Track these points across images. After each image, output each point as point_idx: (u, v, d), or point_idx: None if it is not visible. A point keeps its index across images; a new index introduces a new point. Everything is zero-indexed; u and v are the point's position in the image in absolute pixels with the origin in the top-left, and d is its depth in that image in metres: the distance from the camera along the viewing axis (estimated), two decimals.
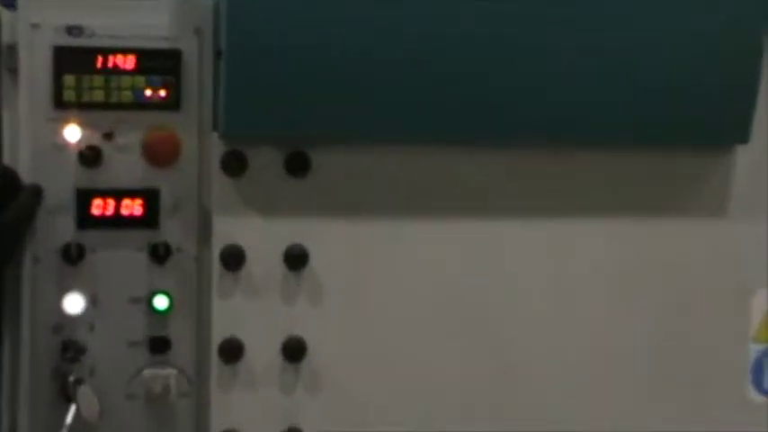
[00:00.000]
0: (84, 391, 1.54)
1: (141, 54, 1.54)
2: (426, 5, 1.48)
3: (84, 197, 1.55)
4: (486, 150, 1.61)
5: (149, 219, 1.57)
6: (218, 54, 1.54)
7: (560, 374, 1.70)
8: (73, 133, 1.54)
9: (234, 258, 1.55)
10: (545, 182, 1.65)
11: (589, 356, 1.70)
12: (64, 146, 1.54)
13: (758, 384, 1.78)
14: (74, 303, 1.56)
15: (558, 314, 1.68)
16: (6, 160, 1.55)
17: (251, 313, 1.57)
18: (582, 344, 1.70)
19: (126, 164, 1.56)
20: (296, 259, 1.57)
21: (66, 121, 1.53)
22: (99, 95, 1.54)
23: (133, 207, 1.57)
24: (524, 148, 1.62)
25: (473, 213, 1.63)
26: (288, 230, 1.57)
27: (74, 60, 1.53)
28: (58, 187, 1.54)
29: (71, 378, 1.55)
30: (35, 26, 1.51)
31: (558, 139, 1.61)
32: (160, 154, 1.56)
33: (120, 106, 1.55)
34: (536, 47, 1.52)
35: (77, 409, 1.54)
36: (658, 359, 1.73)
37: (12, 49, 1.52)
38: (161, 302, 1.59)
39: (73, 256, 1.55)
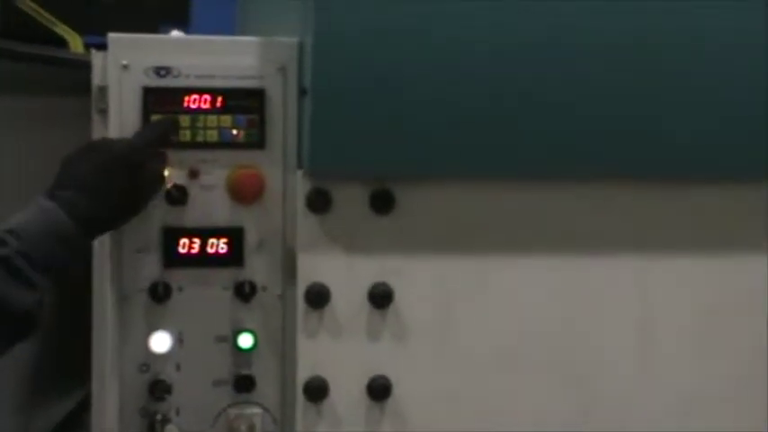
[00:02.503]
0: (170, 431, 1.54)
1: (226, 93, 1.56)
2: (508, 48, 1.46)
3: (170, 236, 1.57)
4: (571, 187, 1.59)
5: (234, 257, 1.58)
6: (302, 92, 1.55)
7: (644, 415, 1.65)
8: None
9: (319, 297, 1.55)
10: (632, 219, 1.62)
11: (673, 398, 1.66)
12: None
13: None
14: (161, 342, 1.57)
15: (643, 354, 1.64)
16: None
17: (336, 352, 1.56)
18: (666, 385, 1.65)
19: (211, 202, 1.57)
20: (381, 298, 1.56)
21: None
22: (185, 135, 1.56)
23: (218, 245, 1.58)
24: (612, 184, 1.59)
25: (558, 251, 1.61)
26: (373, 268, 1.56)
27: (161, 100, 1.55)
28: (146, 226, 1.56)
29: (158, 417, 1.55)
30: (125, 67, 1.54)
31: (647, 174, 1.58)
32: (245, 192, 1.57)
33: (206, 145, 1.56)
34: (624, 83, 1.50)
35: None
36: (745, 403, 1.67)
37: (102, 91, 1.55)
38: (246, 341, 1.59)
39: (160, 294, 1.56)
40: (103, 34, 1.58)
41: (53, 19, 3.61)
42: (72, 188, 1.41)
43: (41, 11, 3.66)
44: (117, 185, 1.44)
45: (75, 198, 1.40)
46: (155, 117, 1.54)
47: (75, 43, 3.70)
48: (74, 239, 1.38)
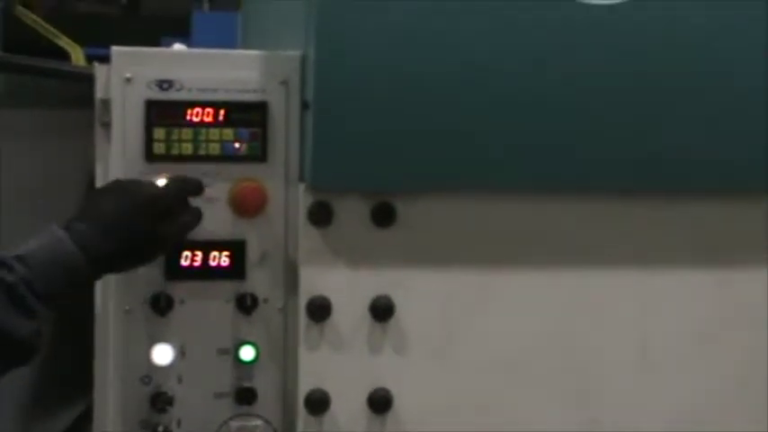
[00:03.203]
0: None
1: (229, 107, 1.56)
2: (509, 63, 1.46)
3: (173, 248, 1.56)
4: (572, 200, 1.59)
5: (236, 270, 1.58)
6: (304, 105, 1.56)
7: (644, 428, 1.65)
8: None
9: (320, 310, 1.55)
10: (633, 232, 1.62)
11: (674, 411, 1.66)
12: None
13: None
14: (162, 354, 1.57)
15: (644, 367, 1.64)
16: None
17: (337, 365, 1.57)
18: (667, 397, 1.65)
19: (213, 215, 1.57)
20: (382, 310, 1.56)
21: (157, 174, 1.55)
22: (188, 148, 1.56)
23: (221, 258, 1.58)
24: (612, 198, 1.60)
25: (559, 264, 1.61)
26: (374, 281, 1.57)
27: (164, 114, 1.55)
28: None
29: (160, 429, 1.56)
30: (128, 80, 1.54)
31: (648, 188, 1.59)
32: (247, 205, 1.57)
33: (208, 158, 1.57)
34: (623, 98, 1.50)
35: None
36: (744, 416, 1.67)
37: (105, 104, 1.55)
38: (247, 353, 1.59)
39: (162, 306, 1.56)
40: (105, 47, 1.59)
41: (55, 31, 3.62)
42: (89, 222, 1.41)
43: (43, 23, 3.67)
44: (137, 230, 1.44)
45: (88, 232, 1.40)
46: (157, 130, 1.55)
47: (77, 55, 3.71)
48: (80, 272, 1.38)
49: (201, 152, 1.57)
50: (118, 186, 1.49)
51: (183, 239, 1.53)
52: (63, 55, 3.63)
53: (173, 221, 1.49)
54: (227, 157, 1.57)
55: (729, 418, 1.67)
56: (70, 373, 1.88)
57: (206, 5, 6.08)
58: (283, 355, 1.60)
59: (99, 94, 1.56)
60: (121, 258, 1.45)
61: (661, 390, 1.65)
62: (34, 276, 1.33)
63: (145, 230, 1.45)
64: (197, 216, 1.53)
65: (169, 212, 1.48)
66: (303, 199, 1.55)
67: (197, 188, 1.54)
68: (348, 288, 1.56)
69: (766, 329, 1.67)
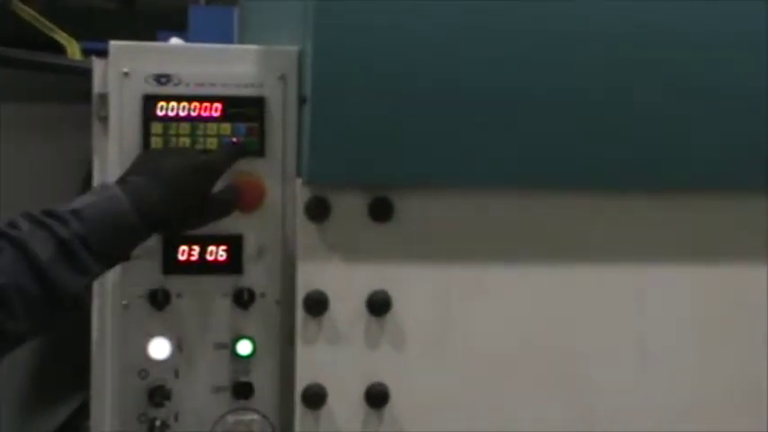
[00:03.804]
0: None
1: (226, 101, 1.56)
2: (507, 58, 1.46)
3: (170, 243, 1.57)
4: (570, 196, 1.60)
5: (234, 264, 1.59)
6: (302, 101, 1.56)
7: (642, 423, 1.65)
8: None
9: (317, 304, 1.55)
10: (631, 228, 1.62)
11: (672, 407, 1.66)
12: None
13: None
14: (160, 348, 1.57)
15: (642, 362, 1.65)
16: None
17: (334, 359, 1.57)
18: (664, 393, 1.66)
19: None
20: (379, 305, 1.56)
21: None
22: (185, 143, 1.56)
23: (218, 253, 1.58)
24: (611, 194, 1.60)
25: (557, 259, 1.61)
26: (371, 276, 1.57)
27: (161, 108, 1.55)
28: None
29: (157, 423, 1.56)
30: (125, 75, 1.54)
31: (647, 185, 1.59)
32: (245, 200, 1.57)
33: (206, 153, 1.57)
34: (623, 94, 1.50)
35: None
36: (744, 413, 1.68)
37: (103, 98, 1.55)
38: (244, 348, 1.59)
39: (159, 301, 1.56)
40: (102, 41, 1.59)
41: (51, 26, 3.62)
42: (147, 177, 1.40)
43: (39, 17, 3.67)
44: (196, 188, 1.44)
45: (146, 186, 1.39)
46: (155, 125, 1.55)
47: (73, 50, 3.71)
48: (133, 232, 1.37)
49: (199, 147, 1.56)
50: (174, 148, 1.51)
51: (227, 213, 1.52)
52: (59, 49, 3.63)
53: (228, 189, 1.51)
54: None
55: (728, 415, 1.67)
56: (68, 368, 1.88)
57: (202, 0, 6.07)
58: (280, 350, 1.60)
59: (96, 88, 1.56)
60: (177, 216, 1.43)
61: (658, 386, 1.65)
62: (88, 232, 1.31)
63: (203, 190, 1.45)
64: (236, 193, 1.53)
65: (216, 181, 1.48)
66: (300, 194, 1.55)
67: (243, 151, 1.55)
68: (345, 283, 1.56)
69: (765, 326, 1.67)
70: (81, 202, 1.35)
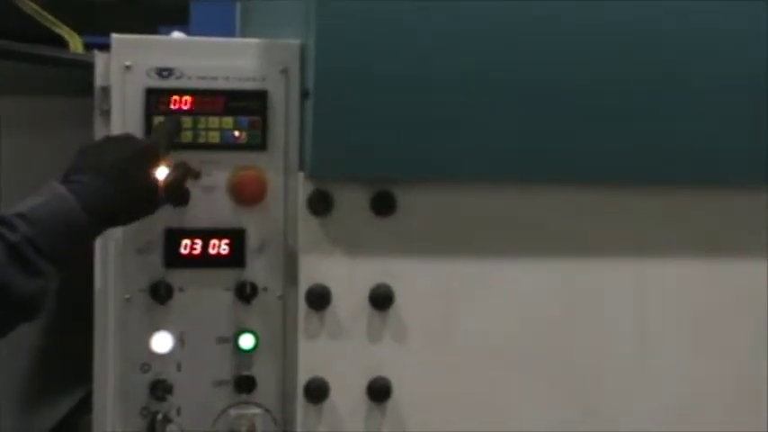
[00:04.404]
0: (171, 430, 1.55)
1: (229, 95, 1.56)
2: (509, 51, 1.46)
3: (172, 236, 1.57)
4: (572, 190, 1.60)
5: (236, 258, 1.58)
6: (304, 94, 1.56)
7: (643, 417, 1.66)
8: (162, 173, 1.56)
9: (320, 298, 1.55)
10: (632, 222, 1.63)
11: (672, 401, 1.66)
12: None
13: None
14: (162, 342, 1.57)
15: (643, 356, 1.65)
16: None
17: (336, 353, 1.57)
18: (665, 387, 1.66)
19: (213, 204, 1.58)
20: (381, 299, 1.56)
21: None
22: (187, 136, 1.56)
23: (220, 246, 1.58)
24: (612, 188, 1.60)
25: (559, 253, 1.61)
26: (374, 270, 1.57)
27: (164, 102, 1.55)
28: (148, 227, 1.56)
29: (159, 417, 1.56)
30: (128, 68, 1.54)
31: (648, 179, 1.59)
32: (247, 194, 1.57)
33: (208, 147, 1.57)
34: (623, 87, 1.50)
35: None
36: (744, 406, 1.68)
37: (105, 92, 1.55)
38: (247, 342, 1.59)
39: (161, 294, 1.56)
40: (103, 34, 1.59)
41: (53, 19, 3.61)
42: (89, 173, 1.39)
43: (42, 11, 3.66)
44: (137, 173, 1.43)
45: (90, 184, 1.38)
46: (157, 118, 1.55)
47: (75, 43, 3.70)
48: (83, 230, 1.37)
49: (201, 140, 1.57)
50: (111, 138, 1.49)
51: (178, 191, 1.52)
52: (61, 43, 3.62)
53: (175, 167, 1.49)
54: (227, 145, 1.57)
55: (728, 409, 1.67)
56: (70, 362, 1.88)
57: None
58: (283, 344, 1.60)
59: (99, 81, 1.56)
60: (124, 210, 1.43)
61: (659, 380, 1.66)
62: (36, 234, 1.31)
63: (145, 179, 1.44)
64: (186, 169, 1.52)
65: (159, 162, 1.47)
66: (303, 187, 1.55)
67: (179, 124, 1.54)
68: (348, 277, 1.56)
69: (766, 322, 1.67)
70: (28, 204, 1.35)
